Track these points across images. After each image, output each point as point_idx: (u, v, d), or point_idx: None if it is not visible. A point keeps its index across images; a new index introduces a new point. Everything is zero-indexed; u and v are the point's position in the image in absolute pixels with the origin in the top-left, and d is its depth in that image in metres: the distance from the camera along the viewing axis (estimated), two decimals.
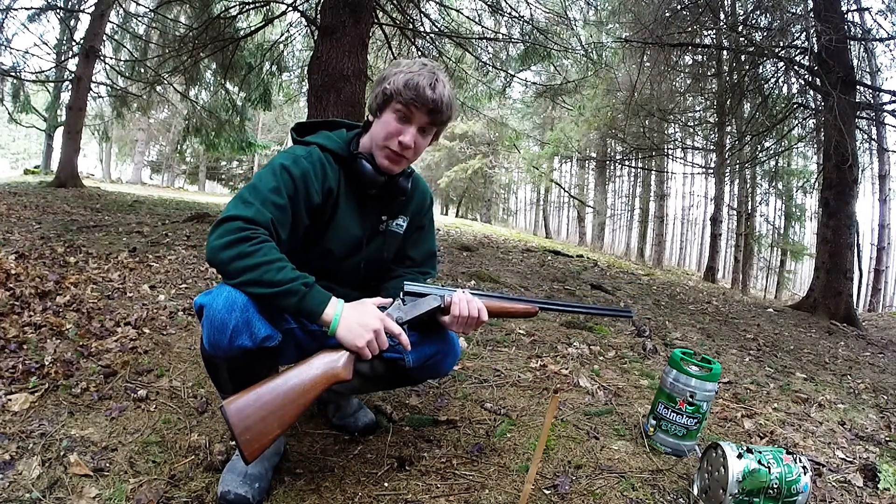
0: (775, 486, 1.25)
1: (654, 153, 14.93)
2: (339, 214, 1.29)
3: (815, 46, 6.25)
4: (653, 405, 1.63)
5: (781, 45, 6.90)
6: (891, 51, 8.09)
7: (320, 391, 1.10)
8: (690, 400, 1.52)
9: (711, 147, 13.48)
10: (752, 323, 4.79)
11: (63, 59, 10.47)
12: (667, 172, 19.28)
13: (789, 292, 15.01)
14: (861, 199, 10.23)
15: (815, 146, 10.79)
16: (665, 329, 3.60)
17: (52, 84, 11.22)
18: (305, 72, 5.78)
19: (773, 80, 7.92)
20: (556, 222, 33.61)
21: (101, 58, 9.90)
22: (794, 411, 2.13)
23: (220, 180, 30.77)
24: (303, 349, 1.30)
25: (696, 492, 1.36)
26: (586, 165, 25.04)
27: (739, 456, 1.26)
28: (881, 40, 7.45)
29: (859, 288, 9.69)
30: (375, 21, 5.94)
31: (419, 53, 7.01)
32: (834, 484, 1.50)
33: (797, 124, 8.84)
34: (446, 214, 25.92)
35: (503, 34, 7.30)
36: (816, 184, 9.53)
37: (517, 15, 6.90)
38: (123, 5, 9.97)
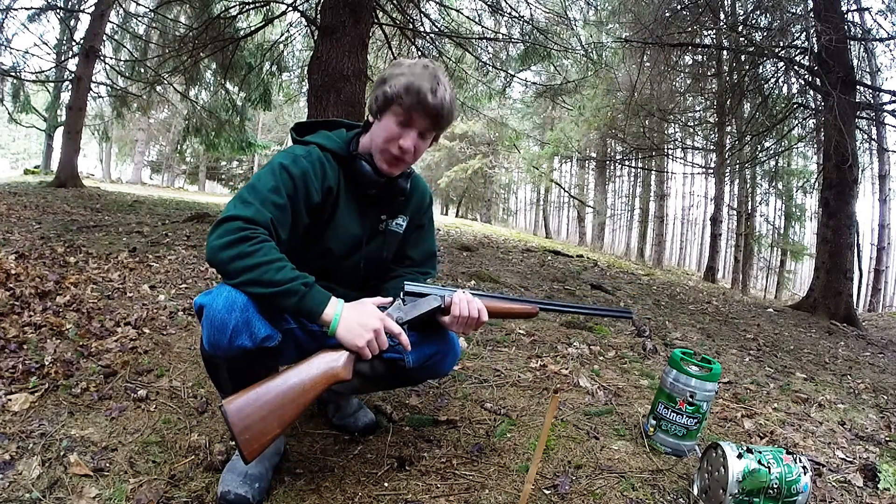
0: (775, 486, 1.25)
1: (654, 153, 14.92)
2: (338, 214, 1.29)
3: (815, 46, 6.25)
4: (653, 405, 1.63)
5: (781, 45, 6.90)
6: (891, 51, 8.11)
7: (320, 391, 1.10)
8: (690, 400, 1.52)
9: (711, 147, 13.49)
10: (752, 323, 4.79)
11: (63, 59, 10.48)
12: (667, 172, 19.29)
13: (789, 292, 15.01)
14: (861, 199, 10.25)
15: (815, 146, 10.79)
16: (665, 329, 3.60)
17: (52, 84, 11.23)
18: (305, 72, 5.78)
19: (773, 80, 7.92)
20: (556, 222, 33.62)
21: (101, 58, 9.91)
22: (794, 411, 2.13)
23: (220, 180, 30.78)
24: (303, 349, 1.30)
25: (696, 492, 1.36)
26: (586, 165, 25.04)
27: (739, 456, 1.26)
28: (881, 40, 7.45)
29: (859, 288, 9.68)
30: (375, 21, 5.94)
31: (419, 53, 7.01)
32: (834, 484, 1.50)
33: (797, 124, 8.84)
34: (446, 214, 25.92)
35: (503, 34, 7.30)
36: (816, 184, 9.53)
37: (517, 15, 6.90)
38: (123, 5, 9.98)
